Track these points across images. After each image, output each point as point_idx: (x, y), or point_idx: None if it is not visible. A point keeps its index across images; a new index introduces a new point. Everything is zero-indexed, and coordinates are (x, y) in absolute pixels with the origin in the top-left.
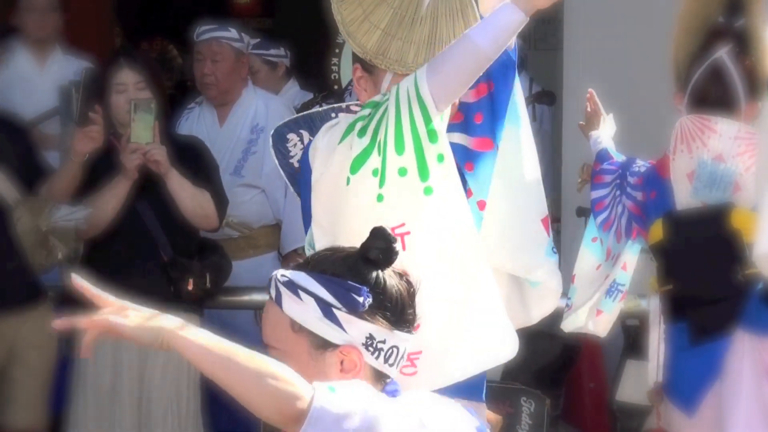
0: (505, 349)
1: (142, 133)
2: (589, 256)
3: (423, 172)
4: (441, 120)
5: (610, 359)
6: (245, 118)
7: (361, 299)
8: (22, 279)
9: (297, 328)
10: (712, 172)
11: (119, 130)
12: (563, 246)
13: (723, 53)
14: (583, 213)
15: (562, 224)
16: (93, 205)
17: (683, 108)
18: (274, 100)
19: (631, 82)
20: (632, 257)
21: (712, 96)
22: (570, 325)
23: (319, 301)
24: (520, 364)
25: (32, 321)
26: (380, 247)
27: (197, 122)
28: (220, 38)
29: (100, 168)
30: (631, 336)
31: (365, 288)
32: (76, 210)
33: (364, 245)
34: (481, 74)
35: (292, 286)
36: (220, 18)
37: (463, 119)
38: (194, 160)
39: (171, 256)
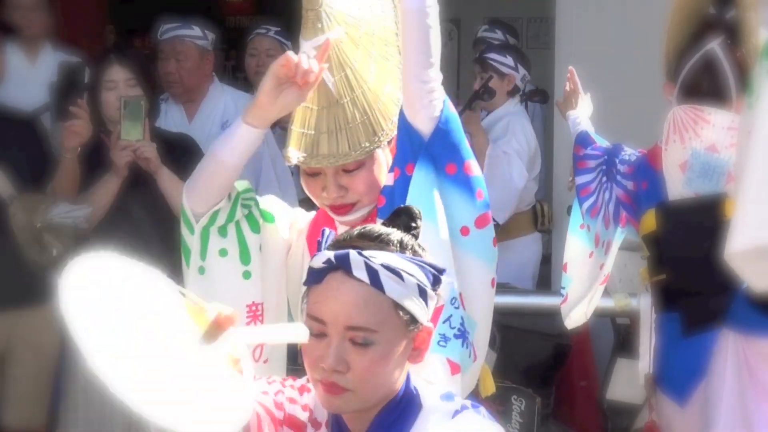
0: None
1: (132, 130)
2: (577, 243)
3: (186, 258)
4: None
5: (600, 358)
6: (215, 115)
7: (443, 278)
8: (18, 276)
9: (400, 309)
10: (705, 163)
11: (109, 127)
12: (554, 245)
13: (715, 45)
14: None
15: (553, 223)
16: (84, 202)
17: (673, 99)
18: (243, 97)
19: (624, 80)
20: (617, 243)
21: (704, 87)
22: (573, 320)
23: (419, 281)
24: (511, 362)
25: (29, 319)
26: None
27: (164, 119)
28: (182, 36)
29: (91, 165)
30: (621, 334)
31: (445, 268)
32: (75, 208)
33: (407, 225)
34: (231, 182)
35: (391, 269)
36: (214, 17)
37: (385, 203)
38: (184, 156)
39: (162, 253)
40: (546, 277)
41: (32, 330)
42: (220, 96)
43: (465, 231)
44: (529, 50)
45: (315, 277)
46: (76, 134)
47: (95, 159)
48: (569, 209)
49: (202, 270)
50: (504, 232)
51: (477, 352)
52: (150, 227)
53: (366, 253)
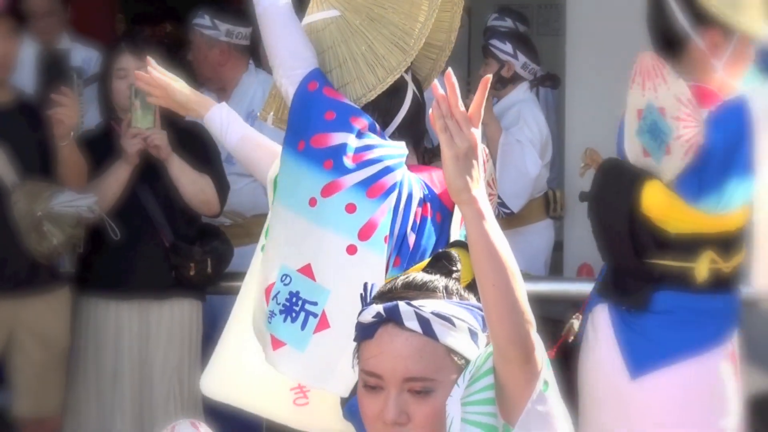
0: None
1: (143, 118)
2: None
3: None
4: None
5: None
6: (241, 105)
7: None
8: (21, 263)
9: (454, 354)
10: (654, 121)
11: (120, 115)
12: (566, 232)
13: None
14: (586, 198)
15: (565, 210)
16: (94, 190)
17: None
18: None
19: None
20: None
21: (657, 30)
22: None
23: (469, 325)
24: None
25: (33, 307)
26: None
27: None
28: (195, 26)
29: (101, 153)
30: None
31: None
32: (79, 198)
33: (447, 269)
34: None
35: (442, 316)
36: (227, 5)
37: None
38: (195, 145)
39: (172, 241)
40: (558, 264)
41: (36, 318)
42: (252, 85)
43: (312, 202)
44: (540, 36)
45: (366, 332)
46: (60, 122)
47: (106, 147)
48: (581, 195)
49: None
50: (516, 219)
51: (330, 320)
52: (160, 215)
53: (415, 302)
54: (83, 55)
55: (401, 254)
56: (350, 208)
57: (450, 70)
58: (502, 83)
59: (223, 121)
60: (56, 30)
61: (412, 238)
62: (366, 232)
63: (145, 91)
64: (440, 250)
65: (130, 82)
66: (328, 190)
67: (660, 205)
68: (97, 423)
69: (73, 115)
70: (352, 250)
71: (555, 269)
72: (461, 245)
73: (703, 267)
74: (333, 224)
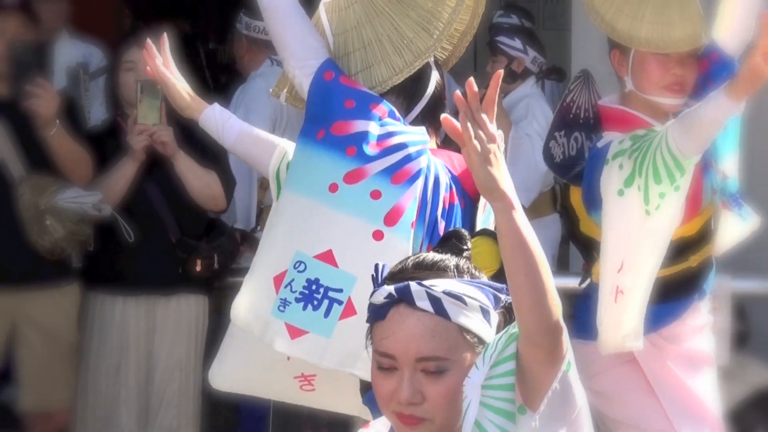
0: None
1: (149, 114)
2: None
3: None
4: None
5: None
6: (237, 102)
7: (503, 297)
8: (25, 256)
9: (466, 332)
10: None
11: (127, 109)
12: None
13: None
14: None
15: None
16: (101, 186)
17: None
18: (255, 79)
19: None
20: None
21: None
22: None
23: (481, 303)
24: None
25: (35, 300)
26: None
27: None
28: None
29: (108, 150)
30: None
31: (505, 287)
32: (85, 194)
33: (457, 248)
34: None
35: (453, 294)
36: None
37: None
38: (201, 141)
39: (179, 237)
40: (565, 258)
41: (39, 311)
42: (249, 83)
43: (333, 188)
44: (546, 31)
45: (378, 313)
46: (37, 113)
47: (112, 143)
48: None
49: None
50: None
51: (357, 306)
52: (167, 211)
53: (426, 282)
54: (83, 51)
55: (433, 241)
56: (375, 195)
57: (471, 79)
58: (512, 77)
59: (218, 120)
60: (58, 19)
61: (442, 225)
62: (392, 218)
63: (153, 81)
64: (450, 230)
65: (137, 76)
66: (351, 177)
67: (577, 204)
68: (103, 417)
69: (49, 105)
70: (378, 235)
71: (562, 264)
72: (487, 234)
73: (595, 271)
74: (358, 211)
